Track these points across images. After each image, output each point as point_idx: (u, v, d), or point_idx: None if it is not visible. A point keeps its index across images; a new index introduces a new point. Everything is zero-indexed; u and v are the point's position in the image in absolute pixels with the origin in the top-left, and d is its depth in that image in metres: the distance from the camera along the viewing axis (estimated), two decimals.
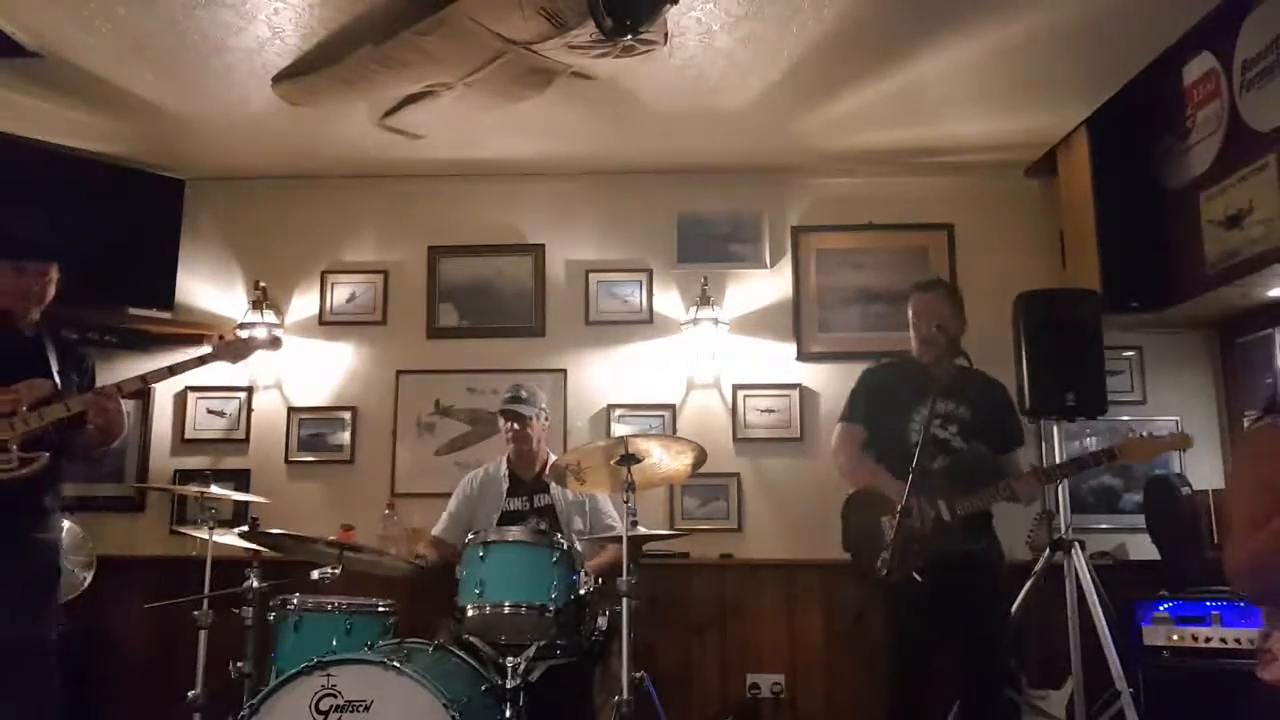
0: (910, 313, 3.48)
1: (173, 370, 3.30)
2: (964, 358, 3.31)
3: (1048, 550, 3.66)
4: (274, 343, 3.60)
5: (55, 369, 3.15)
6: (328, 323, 4.65)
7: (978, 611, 3.23)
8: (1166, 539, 3.96)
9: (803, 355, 4.54)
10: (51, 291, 3.24)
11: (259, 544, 3.37)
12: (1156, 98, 3.90)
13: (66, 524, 3.45)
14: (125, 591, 3.37)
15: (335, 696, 2.63)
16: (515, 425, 3.70)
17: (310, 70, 3.54)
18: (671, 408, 4.51)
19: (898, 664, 3.23)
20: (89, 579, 3.90)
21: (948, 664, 3.26)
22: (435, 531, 3.78)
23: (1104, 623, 3.47)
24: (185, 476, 4.34)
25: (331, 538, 3.40)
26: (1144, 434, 3.44)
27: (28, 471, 3.01)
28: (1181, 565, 3.82)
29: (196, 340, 4.58)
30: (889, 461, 3.32)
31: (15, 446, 2.99)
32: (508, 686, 2.80)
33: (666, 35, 3.29)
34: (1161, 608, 3.63)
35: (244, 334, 3.47)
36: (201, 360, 3.39)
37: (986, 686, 3.26)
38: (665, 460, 3.11)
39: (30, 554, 3.07)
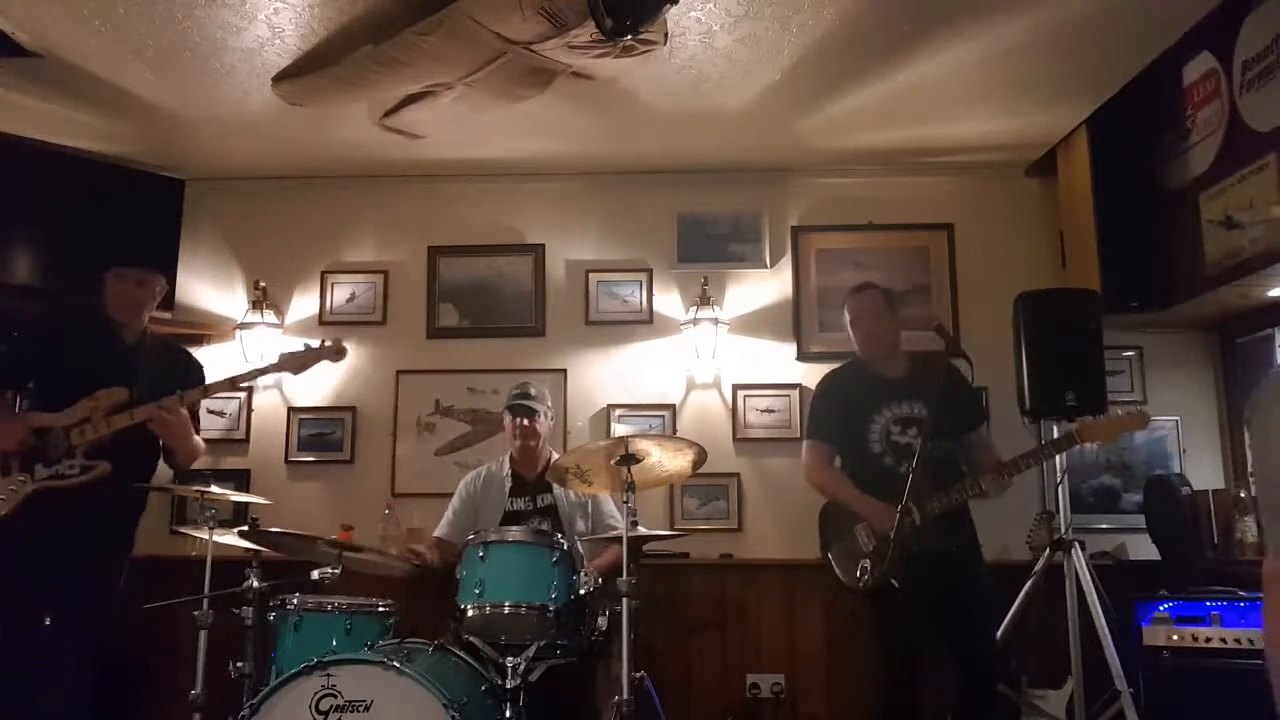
0: (848, 317, 3.47)
1: (234, 382, 3.39)
2: (964, 358, 3.31)
3: (1048, 550, 3.66)
4: (339, 353, 3.47)
5: (147, 378, 3.21)
6: (328, 323, 4.64)
7: (963, 605, 3.24)
8: (1166, 539, 3.96)
9: (803, 355, 4.54)
10: (155, 299, 3.37)
11: (259, 544, 3.37)
12: (1156, 98, 3.90)
13: None
14: (125, 591, 3.37)
15: (335, 696, 2.63)
16: (524, 421, 3.70)
17: (310, 70, 3.54)
18: (671, 408, 4.51)
19: (892, 662, 3.23)
20: None
21: (941, 663, 3.27)
22: (438, 533, 3.77)
23: (1104, 623, 3.47)
24: (185, 476, 4.33)
25: (332, 538, 3.40)
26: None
27: (87, 479, 3.07)
28: (1181, 565, 3.82)
29: (197, 340, 4.60)
30: (852, 470, 3.35)
31: (81, 453, 3.06)
32: (508, 686, 2.80)
33: (666, 35, 3.29)
34: (1161, 608, 3.63)
35: (314, 342, 3.50)
36: (263, 371, 3.47)
37: (981, 682, 3.26)
38: (665, 460, 3.11)
39: (85, 562, 3.14)
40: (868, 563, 3.16)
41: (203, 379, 3.52)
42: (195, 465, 4.37)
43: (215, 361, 4.56)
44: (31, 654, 3.04)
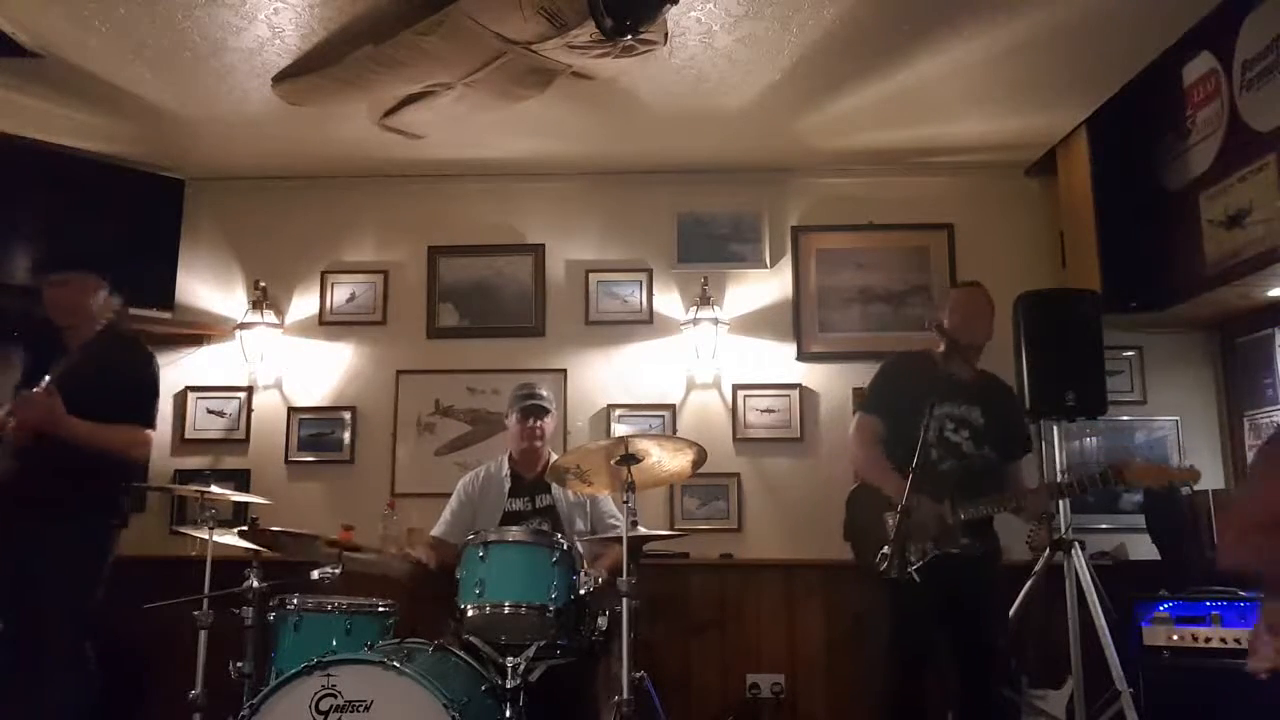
0: (949, 305, 3.46)
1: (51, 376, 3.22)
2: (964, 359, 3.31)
3: (1048, 550, 3.66)
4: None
5: (84, 377, 3.19)
6: (328, 323, 4.65)
7: (976, 612, 3.23)
8: (1166, 539, 3.96)
9: (803, 355, 4.54)
10: (93, 301, 3.33)
11: (259, 543, 3.36)
12: (1156, 98, 3.90)
13: None
14: (125, 591, 3.37)
15: (335, 696, 2.63)
16: (538, 422, 3.70)
17: (310, 70, 3.54)
18: (671, 408, 4.51)
19: (897, 660, 3.22)
20: None
21: (946, 664, 3.27)
22: (435, 532, 3.76)
23: (1104, 623, 3.47)
24: (185, 476, 4.35)
25: (332, 538, 3.39)
26: (1157, 461, 3.43)
27: None
28: (1181, 565, 3.82)
29: (197, 340, 4.61)
30: (898, 454, 3.32)
31: (7, 455, 3.07)
32: (508, 686, 2.79)
33: (666, 35, 3.29)
34: (1161, 608, 3.63)
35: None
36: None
37: (983, 687, 3.26)
38: (665, 460, 3.11)
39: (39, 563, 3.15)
40: (888, 549, 3.13)
41: (143, 374, 3.46)
42: (193, 466, 4.45)
43: (215, 361, 4.61)
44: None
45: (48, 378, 3.14)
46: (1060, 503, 3.72)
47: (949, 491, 3.14)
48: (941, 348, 3.42)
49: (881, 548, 3.12)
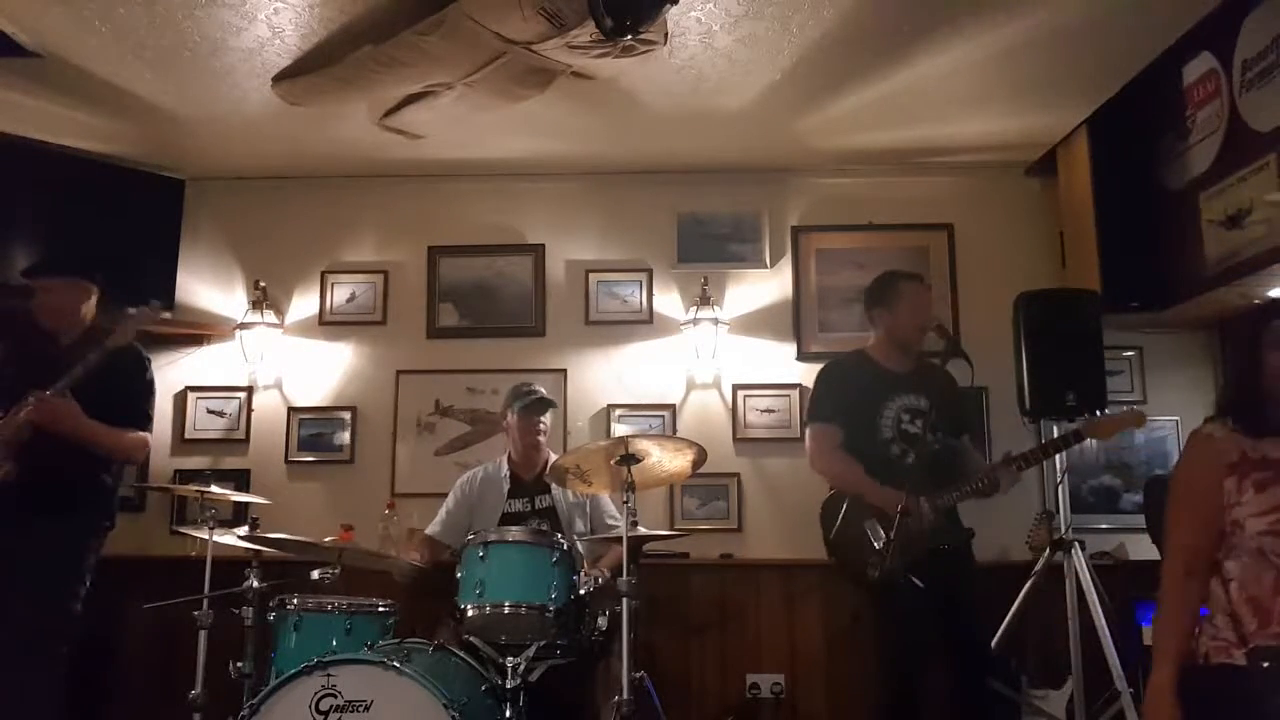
0: (901, 300, 3.43)
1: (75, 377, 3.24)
2: (964, 358, 3.31)
3: (1048, 550, 3.66)
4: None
5: (73, 379, 3.19)
6: (328, 323, 4.65)
7: (962, 602, 3.24)
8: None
9: (803, 355, 4.53)
10: (83, 305, 3.34)
11: (259, 545, 3.36)
12: (1156, 98, 3.90)
13: None
14: (125, 591, 3.37)
15: (335, 696, 2.63)
16: (545, 420, 3.71)
17: (310, 70, 3.54)
18: (671, 408, 4.51)
19: (895, 665, 3.22)
20: None
21: (942, 660, 3.27)
22: (429, 530, 3.76)
23: (1104, 623, 3.47)
24: (185, 476, 4.34)
25: (331, 538, 3.40)
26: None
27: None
28: None
29: (197, 340, 4.61)
30: (859, 458, 3.32)
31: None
32: (508, 686, 2.80)
33: (666, 35, 3.29)
34: None
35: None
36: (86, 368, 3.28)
37: (976, 677, 3.26)
38: (665, 460, 3.10)
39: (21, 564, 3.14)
40: (876, 557, 3.13)
41: (143, 377, 3.48)
42: (193, 466, 4.45)
43: (215, 361, 4.61)
44: None
45: (61, 382, 3.17)
46: (1060, 492, 3.72)
47: (920, 485, 3.12)
48: (894, 338, 3.44)
49: (869, 556, 3.12)
